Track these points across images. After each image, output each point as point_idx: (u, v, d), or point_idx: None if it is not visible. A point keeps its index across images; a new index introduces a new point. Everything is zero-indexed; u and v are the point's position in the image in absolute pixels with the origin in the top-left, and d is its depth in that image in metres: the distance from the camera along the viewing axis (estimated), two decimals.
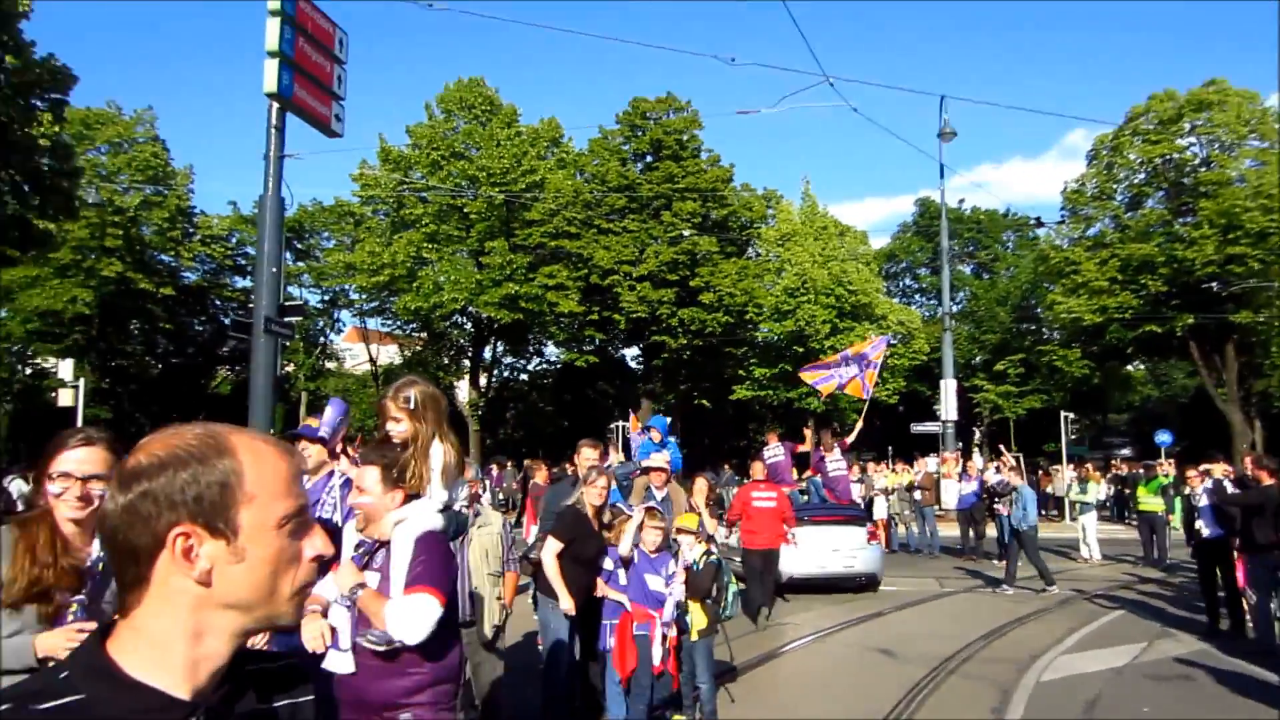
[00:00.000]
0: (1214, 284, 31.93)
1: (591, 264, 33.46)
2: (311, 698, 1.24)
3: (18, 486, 19.29)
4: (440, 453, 3.41)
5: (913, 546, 19.78)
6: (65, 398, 22.93)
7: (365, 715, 2.95)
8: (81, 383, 23.30)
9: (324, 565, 1.24)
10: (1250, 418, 33.80)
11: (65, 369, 23.51)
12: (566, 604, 5.68)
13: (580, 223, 33.50)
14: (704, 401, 37.54)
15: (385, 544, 3.13)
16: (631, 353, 40.79)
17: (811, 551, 12.55)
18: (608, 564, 5.91)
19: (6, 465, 23.03)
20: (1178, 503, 15.38)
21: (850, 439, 16.56)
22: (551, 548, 5.79)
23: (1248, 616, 9.37)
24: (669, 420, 9.92)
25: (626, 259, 33.38)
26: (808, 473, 15.67)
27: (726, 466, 29.96)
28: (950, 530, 19.90)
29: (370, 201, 34.94)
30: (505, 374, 42.53)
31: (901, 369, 36.65)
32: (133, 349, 35.16)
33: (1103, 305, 32.98)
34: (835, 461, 14.86)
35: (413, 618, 2.91)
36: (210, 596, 1.07)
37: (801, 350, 33.29)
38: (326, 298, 40.15)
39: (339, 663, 3.01)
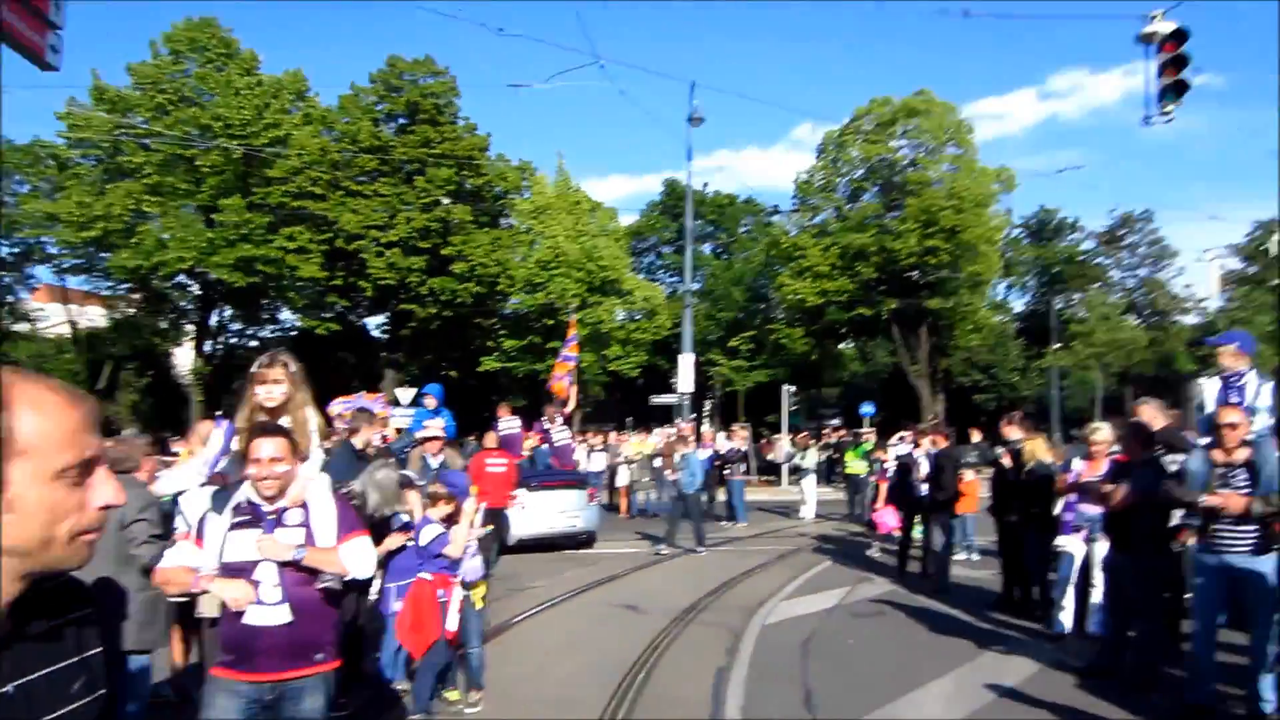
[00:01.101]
0: (914, 273, 36.33)
1: (337, 227, 32.03)
2: (90, 610, 1.32)
3: None
4: (315, 416, 3.87)
5: (650, 511, 20.97)
6: None
7: (288, 660, 3.29)
8: None
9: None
10: (935, 392, 38.80)
11: None
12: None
13: (326, 183, 31.88)
14: (451, 372, 37.19)
15: (289, 507, 3.40)
16: (376, 321, 39.54)
17: (540, 514, 13.97)
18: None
19: None
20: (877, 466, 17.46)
21: (568, 409, 17.53)
22: None
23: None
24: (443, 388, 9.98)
25: (375, 224, 32.26)
26: (534, 441, 16.32)
27: (472, 438, 29.94)
28: None
29: (80, 145, 31.12)
30: (233, 341, 39.63)
31: (644, 343, 38.37)
32: None
33: (824, 288, 36.36)
34: (560, 431, 15.91)
35: (364, 556, 3.49)
36: None
37: (551, 323, 33.89)
38: (17, 250, 35.31)
39: (270, 616, 3.25)
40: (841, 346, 45.99)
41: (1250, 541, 5.60)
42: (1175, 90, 11.52)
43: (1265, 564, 5.58)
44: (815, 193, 38.97)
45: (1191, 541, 6.00)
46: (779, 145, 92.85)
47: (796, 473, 22.64)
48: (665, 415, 30.22)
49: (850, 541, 15.36)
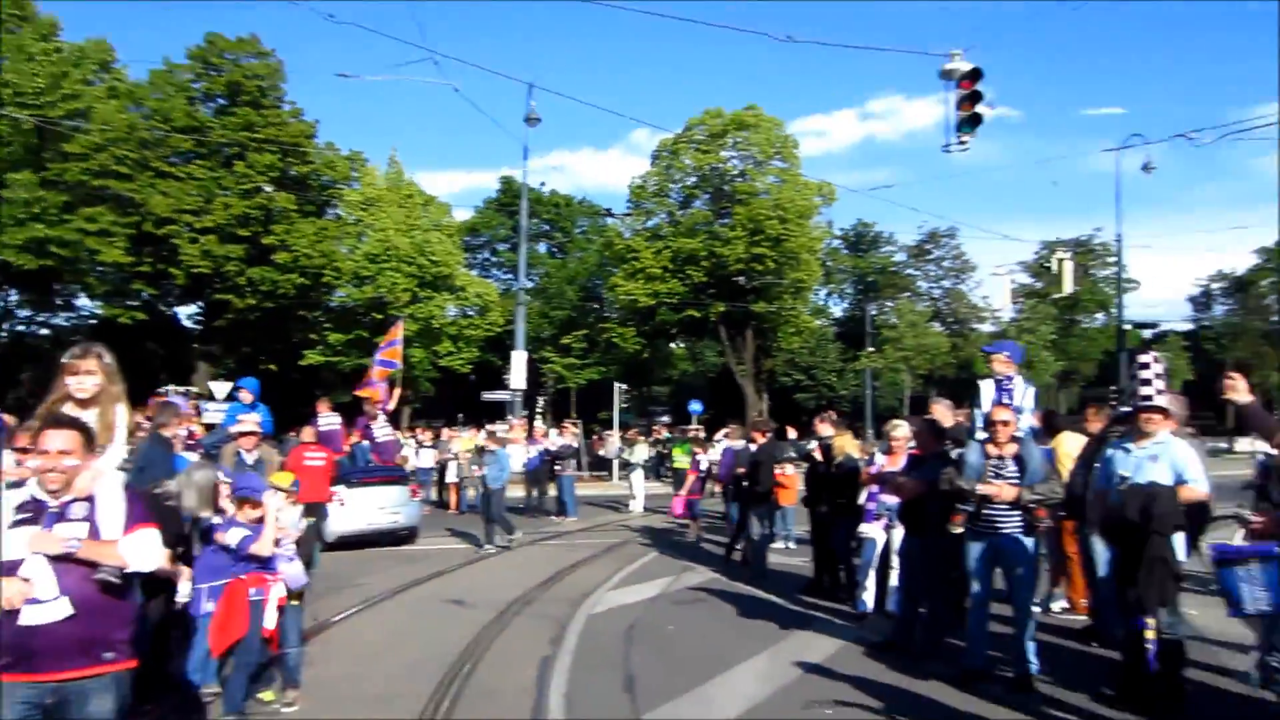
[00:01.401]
0: (741, 278, 37.81)
1: (145, 210, 29.92)
2: None
3: None
4: (124, 411, 3.82)
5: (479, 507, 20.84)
6: None
7: (71, 659, 3.17)
8: None
9: None
10: (760, 391, 40.52)
11: None
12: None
13: (134, 162, 29.71)
14: (271, 366, 35.51)
15: (77, 500, 3.28)
16: (188, 311, 37.22)
17: (360, 510, 13.83)
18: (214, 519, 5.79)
19: None
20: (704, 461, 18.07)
21: (392, 405, 17.27)
22: None
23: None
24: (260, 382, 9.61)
25: (189, 208, 30.37)
26: (354, 436, 15.99)
27: (291, 434, 28.78)
28: (517, 490, 21.31)
29: None
30: (20, 328, 36.22)
31: (476, 340, 38.01)
32: None
33: (655, 290, 37.25)
34: (382, 427, 15.67)
35: (147, 549, 3.34)
36: None
37: (380, 317, 33.02)
38: None
39: (47, 613, 3.12)
40: (672, 346, 47.21)
41: (1017, 524, 6.35)
42: (970, 122, 12.69)
43: (1028, 540, 6.36)
44: (649, 197, 39.85)
45: (962, 521, 6.66)
46: (616, 149, 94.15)
47: (626, 468, 23.10)
48: (497, 411, 30.04)
49: (676, 533, 15.87)
